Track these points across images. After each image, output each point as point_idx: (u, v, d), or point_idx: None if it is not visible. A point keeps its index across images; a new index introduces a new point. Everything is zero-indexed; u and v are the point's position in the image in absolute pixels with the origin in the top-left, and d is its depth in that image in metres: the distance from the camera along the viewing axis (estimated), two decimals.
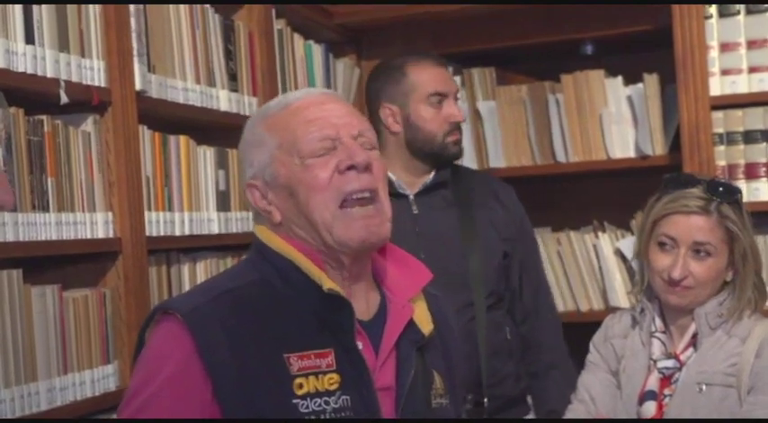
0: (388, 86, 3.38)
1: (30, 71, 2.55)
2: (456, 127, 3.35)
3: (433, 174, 3.37)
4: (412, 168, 3.37)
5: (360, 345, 1.92)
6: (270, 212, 1.98)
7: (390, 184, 3.28)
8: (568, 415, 2.82)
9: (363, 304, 1.99)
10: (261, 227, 2.02)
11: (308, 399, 1.86)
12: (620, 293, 4.05)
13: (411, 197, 3.34)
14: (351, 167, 1.93)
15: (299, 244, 1.96)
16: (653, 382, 2.68)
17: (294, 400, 1.85)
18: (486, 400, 3.22)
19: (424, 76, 3.36)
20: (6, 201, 1.57)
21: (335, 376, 1.89)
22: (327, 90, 2.13)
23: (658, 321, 2.75)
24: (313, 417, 1.85)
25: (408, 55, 3.45)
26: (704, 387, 2.63)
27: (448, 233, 3.31)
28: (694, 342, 2.70)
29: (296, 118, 1.97)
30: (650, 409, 2.66)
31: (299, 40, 3.96)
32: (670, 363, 2.69)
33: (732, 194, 2.70)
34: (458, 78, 4.22)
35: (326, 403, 1.86)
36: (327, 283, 1.91)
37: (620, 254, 4.11)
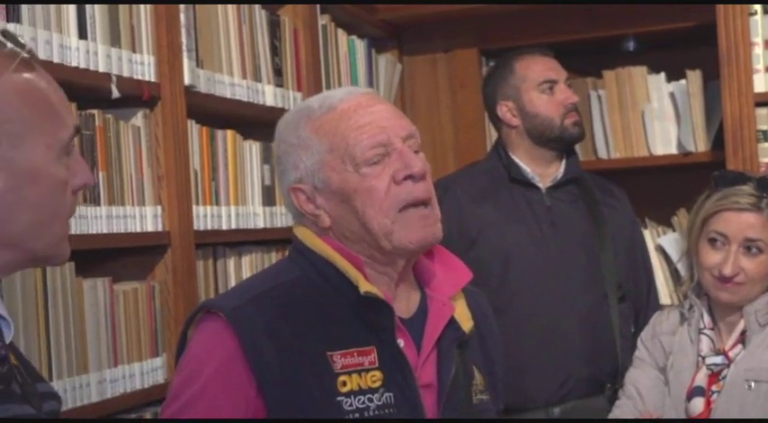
0: (500, 86, 3.50)
1: (82, 66, 2.57)
2: (572, 109, 3.41)
3: (563, 167, 3.43)
4: (538, 158, 3.43)
5: (401, 342, 1.92)
6: (318, 217, 1.97)
7: (522, 172, 3.38)
8: (615, 411, 2.83)
9: (404, 303, 1.99)
10: (302, 228, 2.01)
11: (352, 396, 1.87)
12: (662, 290, 4.03)
13: (544, 190, 3.39)
14: (407, 177, 1.92)
15: (341, 248, 1.95)
16: (701, 379, 2.68)
17: (338, 398, 1.86)
18: None
19: (531, 67, 3.45)
20: (91, 178, 1.64)
21: (378, 373, 1.89)
22: (368, 89, 2.10)
23: (707, 318, 2.75)
24: (357, 414, 1.86)
25: (515, 52, 3.53)
26: (753, 384, 2.63)
27: (579, 226, 3.37)
28: (743, 339, 2.70)
29: (345, 122, 1.94)
30: (698, 405, 2.66)
31: (342, 36, 3.98)
32: (718, 359, 2.69)
33: None
34: None
35: (370, 400, 1.87)
36: (365, 286, 1.90)
37: (661, 250, 4.10)
